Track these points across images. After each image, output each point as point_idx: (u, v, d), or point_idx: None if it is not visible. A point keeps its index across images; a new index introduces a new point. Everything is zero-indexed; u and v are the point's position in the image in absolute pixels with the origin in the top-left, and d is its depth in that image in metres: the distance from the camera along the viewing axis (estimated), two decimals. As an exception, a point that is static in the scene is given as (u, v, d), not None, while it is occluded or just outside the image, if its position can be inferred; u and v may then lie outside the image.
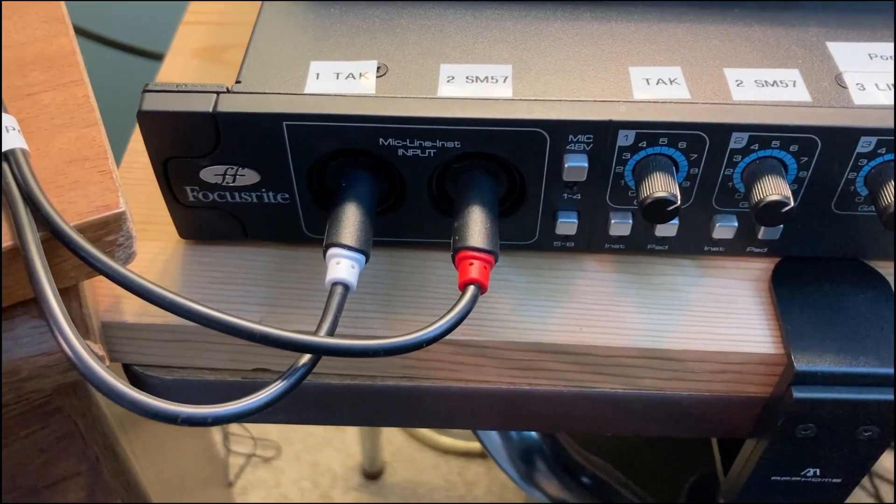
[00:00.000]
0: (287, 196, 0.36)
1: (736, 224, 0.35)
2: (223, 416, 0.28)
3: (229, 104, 0.33)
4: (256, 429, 1.25)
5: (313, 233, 0.37)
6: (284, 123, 0.33)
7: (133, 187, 0.41)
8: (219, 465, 1.07)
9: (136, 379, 0.38)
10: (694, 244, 0.37)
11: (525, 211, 0.36)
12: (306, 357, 0.30)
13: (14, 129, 0.33)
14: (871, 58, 0.35)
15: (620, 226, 0.36)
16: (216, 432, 1.14)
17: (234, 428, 1.24)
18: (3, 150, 0.31)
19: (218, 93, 0.33)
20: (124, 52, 0.99)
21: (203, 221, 0.37)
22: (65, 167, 0.33)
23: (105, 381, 0.27)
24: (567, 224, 0.36)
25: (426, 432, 1.25)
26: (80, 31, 0.95)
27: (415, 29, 0.37)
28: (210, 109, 0.33)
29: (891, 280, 0.36)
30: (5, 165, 0.31)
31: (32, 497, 0.38)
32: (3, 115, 0.33)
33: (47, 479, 0.38)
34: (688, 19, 0.37)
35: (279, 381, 0.29)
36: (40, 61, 0.37)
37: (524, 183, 0.35)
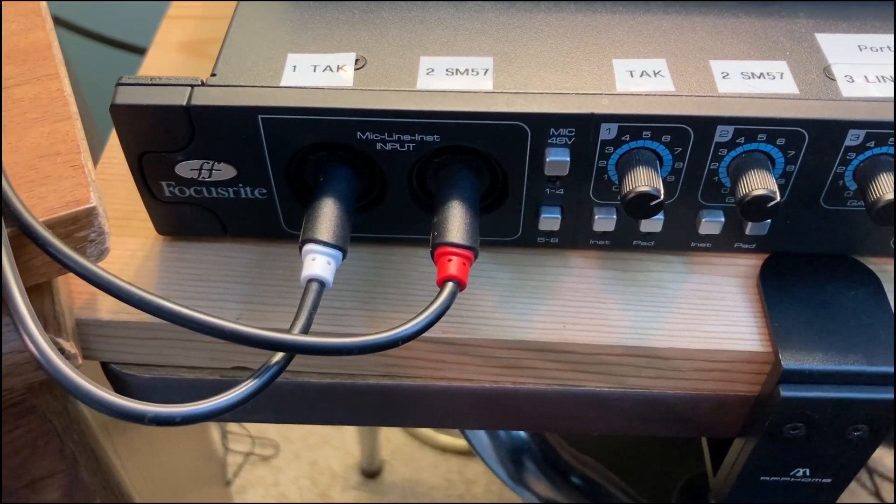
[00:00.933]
0: (265, 191, 0.35)
1: (723, 219, 0.35)
2: (192, 415, 0.27)
3: (204, 97, 0.32)
4: (255, 427, 1.25)
5: (293, 228, 0.36)
6: (260, 117, 0.32)
7: (112, 182, 0.40)
8: (217, 463, 1.07)
9: (113, 377, 0.38)
10: (680, 240, 0.36)
11: (507, 206, 0.35)
12: (279, 355, 0.29)
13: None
14: (860, 49, 0.35)
15: (604, 221, 0.35)
16: (214, 430, 1.13)
17: (232, 426, 1.24)
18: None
19: (192, 86, 0.32)
20: (112, 47, 0.99)
21: (180, 217, 0.36)
22: (36, 162, 0.32)
23: (70, 379, 0.26)
24: (550, 219, 0.35)
25: (425, 431, 1.24)
26: (66, 25, 0.94)
27: (395, 21, 0.36)
28: (184, 103, 0.32)
29: (881, 276, 0.36)
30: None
31: (8, 497, 0.38)
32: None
33: (24, 479, 0.38)
34: (674, 11, 0.37)
35: (251, 380, 0.28)
36: (14, 55, 0.37)
37: (506, 177, 0.34)
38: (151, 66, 0.46)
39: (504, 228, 0.36)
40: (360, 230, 0.36)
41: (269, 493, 1.21)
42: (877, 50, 0.35)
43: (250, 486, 1.21)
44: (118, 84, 0.33)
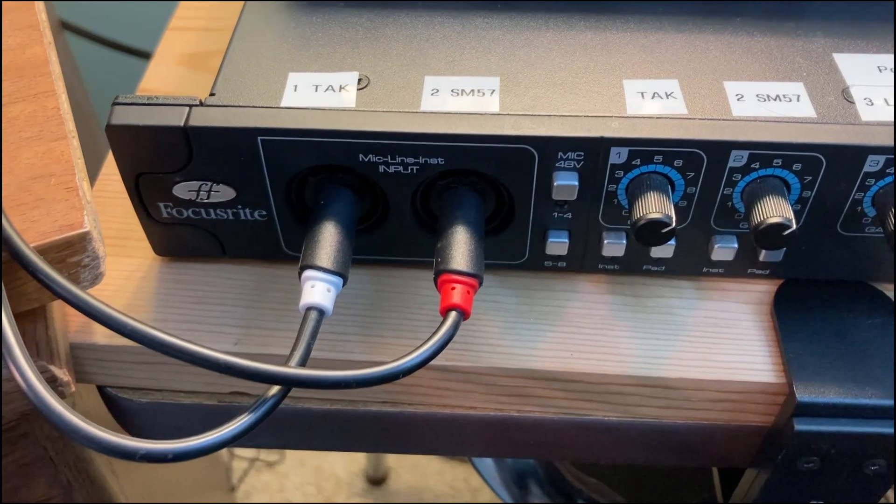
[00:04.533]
0: (265, 213, 0.34)
1: (736, 245, 0.34)
2: (184, 452, 0.26)
3: (202, 118, 0.31)
4: (259, 433, 1.24)
5: (293, 250, 0.36)
6: (259, 138, 0.31)
7: (109, 201, 0.39)
8: (221, 469, 1.06)
9: (109, 401, 0.37)
10: (692, 265, 0.35)
11: (514, 230, 0.34)
12: (276, 388, 0.28)
13: (-23, 144, 0.31)
14: (880, 70, 0.33)
15: (614, 246, 0.34)
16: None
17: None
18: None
19: (190, 106, 0.32)
20: (122, 52, 0.98)
21: (178, 238, 0.36)
22: (30, 183, 0.31)
23: (59, 415, 0.26)
24: (558, 244, 0.34)
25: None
26: (76, 30, 0.93)
27: (399, 39, 0.35)
28: (181, 123, 0.31)
29: (900, 304, 0.35)
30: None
31: (1, 523, 0.37)
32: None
33: (17, 505, 0.37)
34: (687, 29, 0.35)
35: (246, 414, 0.27)
36: (11, 70, 0.36)
37: (512, 201, 0.33)
38: (153, 78, 0.45)
39: (510, 251, 0.35)
40: (362, 252, 0.35)
41: (274, 498, 1.20)
42: (894, 70, 0.33)
43: (255, 492, 1.21)
44: (114, 103, 0.32)
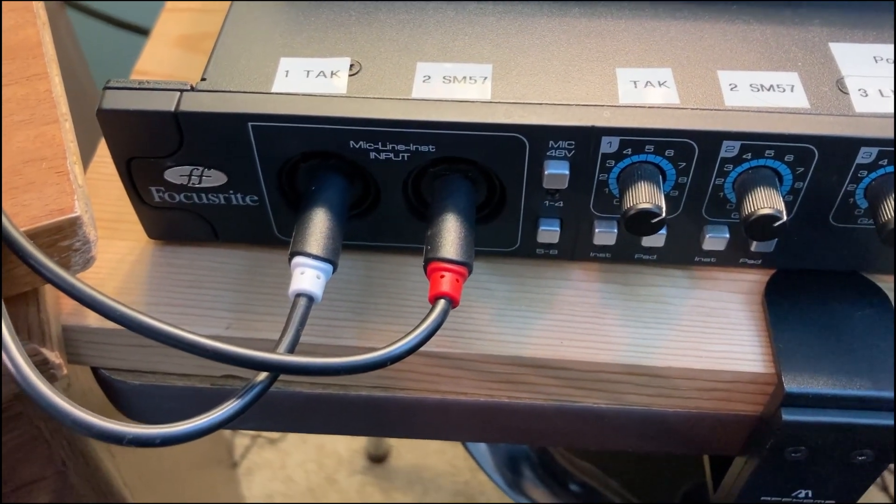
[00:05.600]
0: (256, 198, 0.34)
1: (727, 235, 0.33)
2: (172, 437, 0.26)
3: (192, 103, 0.31)
4: (261, 410, 1.25)
5: (285, 235, 0.36)
6: (249, 124, 0.31)
7: (104, 183, 0.39)
8: (223, 446, 1.07)
9: (103, 382, 0.37)
10: (684, 254, 0.35)
11: (505, 217, 0.34)
12: (264, 374, 0.28)
13: (-32, 127, 0.31)
14: (875, 61, 0.33)
15: (605, 235, 0.34)
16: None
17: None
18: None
19: (181, 91, 0.31)
20: (123, 29, 0.98)
21: (171, 222, 0.36)
22: (21, 167, 0.31)
23: (48, 399, 0.26)
24: (549, 232, 0.34)
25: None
26: (78, 7, 0.93)
27: (392, 24, 0.35)
28: (172, 109, 0.31)
29: (892, 295, 0.35)
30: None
31: (-4, 502, 0.37)
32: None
33: (12, 484, 0.37)
34: (682, 17, 0.35)
35: (234, 400, 0.27)
36: (4, 52, 0.36)
37: (503, 189, 0.33)
38: (148, 60, 0.45)
39: (502, 239, 0.35)
40: (354, 238, 0.35)
41: (276, 475, 1.21)
42: (893, 61, 0.33)
43: (257, 469, 1.21)
44: (105, 88, 0.32)
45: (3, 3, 0.38)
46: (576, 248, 0.35)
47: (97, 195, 0.39)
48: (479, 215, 0.34)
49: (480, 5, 0.36)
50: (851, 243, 0.34)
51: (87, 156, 0.40)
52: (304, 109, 0.31)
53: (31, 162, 0.32)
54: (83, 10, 0.96)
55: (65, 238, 0.30)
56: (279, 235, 0.36)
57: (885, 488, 1.09)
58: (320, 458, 1.24)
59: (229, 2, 0.37)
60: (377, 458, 1.22)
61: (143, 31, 0.99)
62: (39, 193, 0.31)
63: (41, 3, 0.39)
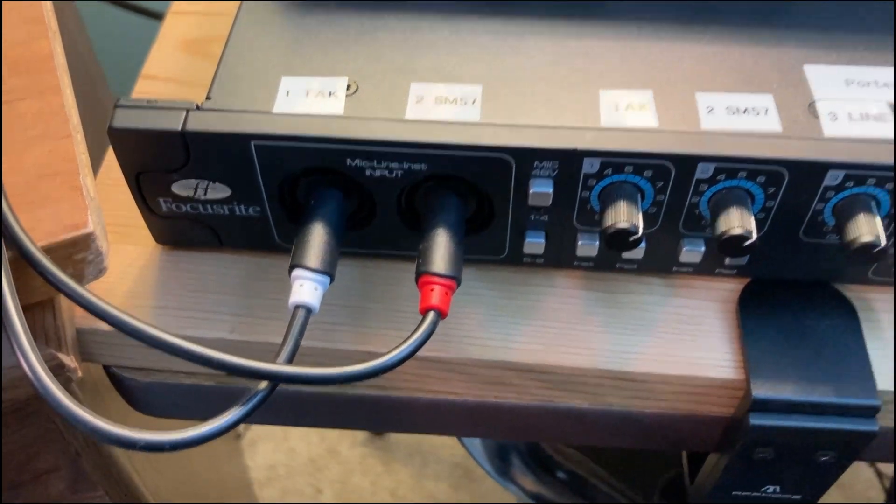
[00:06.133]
0: (258, 209, 0.36)
1: (703, 249, 0.35)
2: (180, 443, 0.28)
3: (198, 123, 0.33)
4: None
5: (285, 242, 0.38)
6: (252, 143, 0.33)
7: (114, 188, 0.41)
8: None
9: (115, 380, 0.39)
10: (662, 264, 0.37)
11: (494, 229, 0.36)
12: (264, 383, 0.30)
13: (-13, 146, 0.33)
14: (847, 84, 0.35)
15: (588, 247, 0.36)
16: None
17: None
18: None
19: (187, 110, 0.33)
20: (130, 11, 0.99)
21: (178, 230, 0.38)
22: (36, 182, 0.33)
23: (65, 407, 0.28)
24: (535, 244, 0.36)
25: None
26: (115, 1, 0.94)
27: (388, 44, 0.37)
28: (179, 128, 0.33)
29: (859, 305, 0.36)
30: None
31: (12, 490, 0.40)
32: (-23, 128, 0.33)
33: (27, 475, 0.40)
34: (664, 37, 0.37)
35: (236, 408, 0.30)
36: (18, 65, 0.38)
37: (492, 203, 0.35)
38: (154, 64, 0.47)
39: (490, 248, 0.37)
40: (350, 245, 0.37)
41: (279, 447, 1.24)
42: (864, 84, 0.35)
43: (260, 440, 1.24)
44: (116, 106, 0.34)
45: (16, 14, 0.40)
46: (560, 258, 0.37)
47: (108, 200, 0.41)
48: (469, 226, 0.36)
49: (473, 25, 0.37)
50: (820, 257, 0.36)
51: (96, 153, 0.42)
52: (303, 129, 0.33)
53: (46, 177, 0.34)
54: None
55: (79, 251, 0.32)
56: (280, 242, 0.38)
57: (877, 471, 1.12)
58: (322, 430, 1.27)
59: (234, 3, 0.38)
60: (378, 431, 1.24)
61: (148, 13, 1.00)
62: (55, 209, 0.33)
63: (51, 7, 0.41)
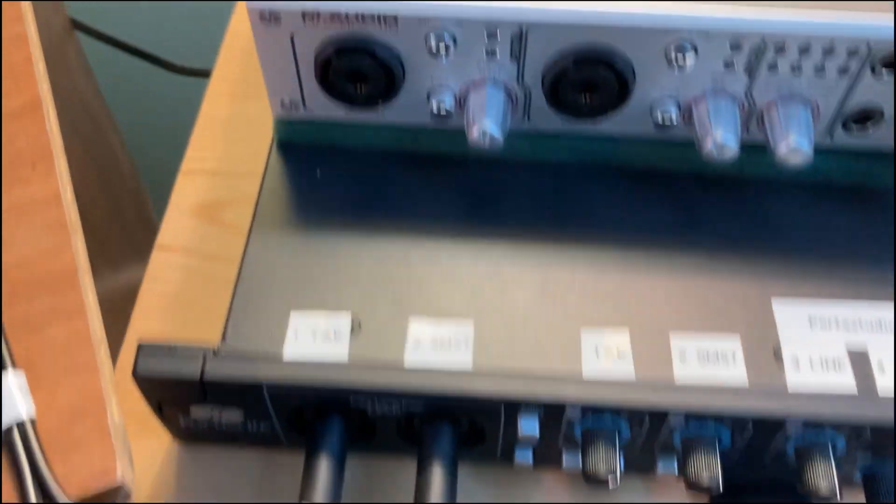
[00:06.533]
0: (269, 425, 0.39)
1: (676, 470, 0.39)
2: None
3: (215, 370, 0.36)
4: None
5: (294, 446, 0.41)
6: (265, 386, 0.36)
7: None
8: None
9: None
10: (642, 472, 0.40)
11: (486, 446, 0.39)
12: None
13: (23, 390, 0.36)
14: (811, 324, 0.38)
15: (571, 463, 0.39)
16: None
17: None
18: (13, 422, 0.35)
19: (205, 356, 0.36)
20: (138, 57, 0.99)
21: (195, 437, 0.41)
22: (68, 425, 0.36)
23: None
24: (524, 460, 0.39)
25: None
26: (86, 30, 0.94)
27: (386, 279, 0.40)
28: (197, 376, 0.36)
29: None
30: (16, 439, 0.35)
31: None
32: (11, 372, 0.36)
33: None
34: (642, 271, 0.40)
35: None
36: (46, 282, 0.40)
37: (483, 432, 0.38)
38: (167, 233, 0.50)
39: (483, 456, 0.40)
40: (352, 451, 0.41)
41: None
42: (826, 326, 0.38)
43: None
44: (139, 351, 0.37)
45: (42, 221, 0.42)
46: (548, 465, 0.41)
47: (127, 394, 0.43)
48: (463, 442, 0.39)
49: (453, 254, 0.41)
50: (785, 483, 0.39)
51: (103, 205, 0.44)
52: (311, 378, 0.36)
53: (76, 418, 0.37)
54: (91, 34, 0.99)
55: (108, 497, 0.36)
56: (289, 446, 0.41)
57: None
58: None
59: (244, 161, 0.41)
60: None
61: (150, 58, 1.02)
62: (87, 455, 0.36)
63: (76, 217, 0.43)
